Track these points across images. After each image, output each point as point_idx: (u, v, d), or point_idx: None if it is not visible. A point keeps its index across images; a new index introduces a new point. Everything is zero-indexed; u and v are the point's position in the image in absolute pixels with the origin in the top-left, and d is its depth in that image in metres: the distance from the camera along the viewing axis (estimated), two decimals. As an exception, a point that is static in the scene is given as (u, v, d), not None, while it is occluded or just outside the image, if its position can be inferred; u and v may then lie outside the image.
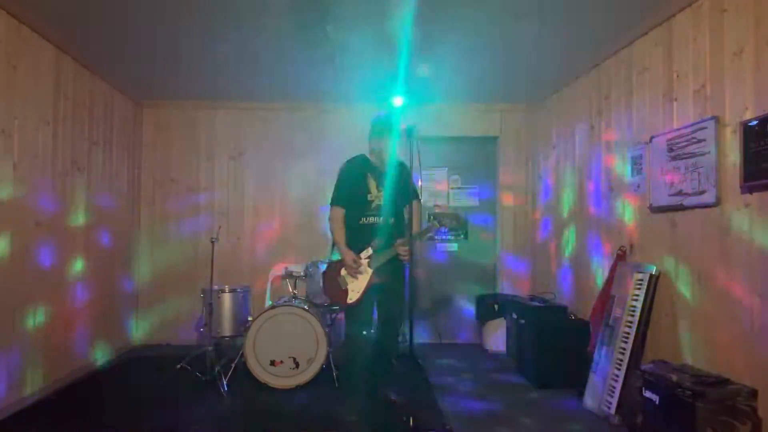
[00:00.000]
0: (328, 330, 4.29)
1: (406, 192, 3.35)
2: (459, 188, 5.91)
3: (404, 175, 3.43)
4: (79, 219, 4.30)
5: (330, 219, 3.57)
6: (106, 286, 4.80)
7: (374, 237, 3.45)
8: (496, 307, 5.20)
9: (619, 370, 3.35)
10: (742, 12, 2.75)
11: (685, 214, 3.17)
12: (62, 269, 4.05)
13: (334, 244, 3.64)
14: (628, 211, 3.80)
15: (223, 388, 3.89)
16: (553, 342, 4.06)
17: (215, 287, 4.31)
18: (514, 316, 4.67)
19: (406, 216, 3.59)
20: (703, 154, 2.98)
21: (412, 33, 3.79)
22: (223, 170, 5.69)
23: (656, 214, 3.46)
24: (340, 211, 3.53)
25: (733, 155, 2.78)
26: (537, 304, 4.66)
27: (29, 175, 3.62)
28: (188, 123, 5.68)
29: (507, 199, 5.82)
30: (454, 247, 5.87)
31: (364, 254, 3.45)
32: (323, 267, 4.10)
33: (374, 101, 5.38)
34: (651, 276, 3.36)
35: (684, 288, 3.19)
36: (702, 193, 2.99)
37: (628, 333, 3.38)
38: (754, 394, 2.58)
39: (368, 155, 3.62)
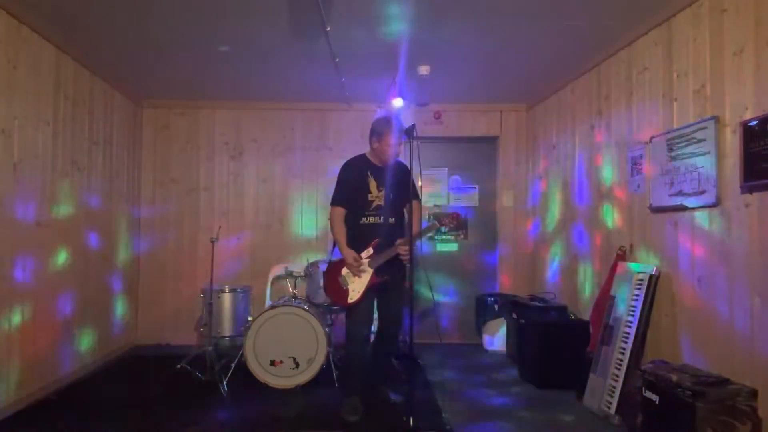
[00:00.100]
0: (328, 330, 4.29)
1: (406, 192, 3.35)
2: (459, 188, 5.91)
3: (404, 175, 3.43)
4: (79, 219, 4.30)
5: (331, 219, 3.57)
6: (106, 286, 4.80)
7: (375, 237, 3.45)
8: (496, 307, 5.20)
9: (619, 370, 3.35)
10: (742, 12, 2.75)
11: (685, 214, 3.17)
12: (62, 269, 4.04)
13: (335, 244, 3.64)
14: (628, 211, 3.80)
15: (223, 388, 3.89)
16: (553, 342, 4.06)
17: (215, 287, 4.31)
18: (514, 316, 4.67)
19: (406, 216, 3.59)
20: (703, 154, 2.98)
21: (412, 33, 3.79)
22: (223, 170, 5.69)
23: (656, 214, 3.46)
24: (340, 211, 3.53)
25: (733, 155, 2.77)
26: (537, 304, 4.66)
27: (29, 175, 3.62)
28: (188, 123, 5.68)
29: (507, 199, 5.82)
30: (454, 247, 5.87)
31: (364, 254, 3.45)
32: (324, 267, 4.11)
33: (374, 101, 5.39)
34: (651, 276, 3.36)
35: (684, 288, 3.19)
36: (702, 193, 2.99)
37: (628, 333, 3.38)
38: (754, 394, 2.58)
39: (368, 155, 3.62)
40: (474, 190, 5.91)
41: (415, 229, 3.49)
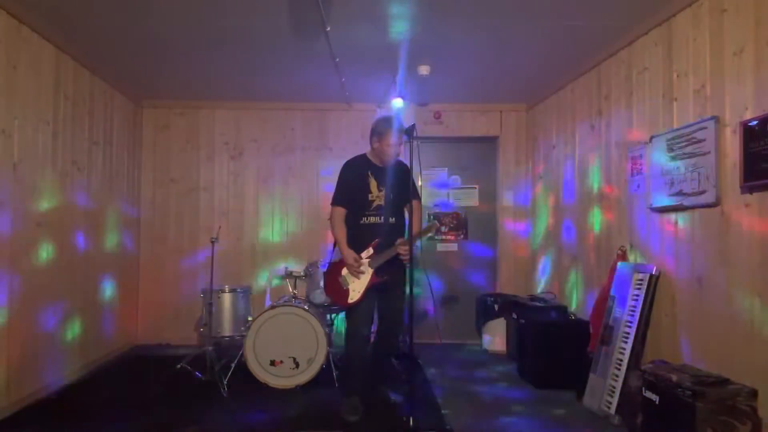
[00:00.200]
0: (328, 330, 4.29)
1: (407, 192, 3.35)
2: (459, 188, 5.92)
3: (405, 174, 3.43)
4: (79, 219, 4.30)
5: (331, 219, 3.57)
6: (105, 285, 4.80)
7: (375, 237, 3.45)
8: (496, 307, 5.20)
9: (619, 370, 3.35)
10: (742, 12, 2.75)
11: (685, 214, 3.17)
12: (62, 269, 4.04)
13: (335, 244, 3.64)
14: (628, 211, 3.80)
15: (223, 388, 3.89)
16: (553, 342, 4.06)
17: (215, 287, 4.31)
18: (514, 316, 4.67)
19: (406, 216, 3.59)
20: (703, 154, 2.98)
21: (412, 33, 3.79)
22: (223, 170, 5.69)
23: (656, 214, 3.46)
24: (341, 211, 3.53)
25: (733, 155, 2.78)
26: (537, 304, 4.66)
27: (29, 175, 3.62)
28: (188, 123, 5.68)
29: (507, 199, 5.82)
30: (454, 247, 5.87)
31: (364, 254, 3.45)
32: (323, 267, 4.11)
33: (374, 101, 5.39)
34: (651, 276, 3.36)
35: (684, 288, 3.19)
36: (702, 193, 2.99)
37: (628, 333, 3.38)
38: (754, 394, 2.58)
39: (369, 155, 3.62)
40: (474, 190, 5.91)
41: (415, 228, 3.49)
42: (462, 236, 5.87)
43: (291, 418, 3.44)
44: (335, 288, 3.51)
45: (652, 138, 3.47)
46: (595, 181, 4.31)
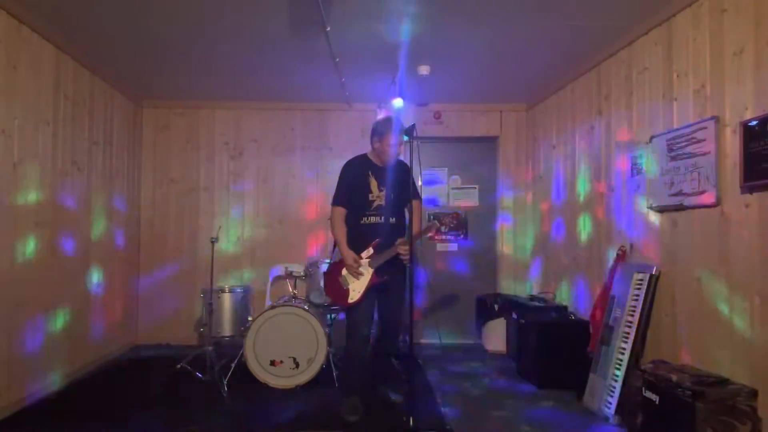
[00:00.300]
0: (328, 330, 4.30)
1: (407, 192, 3.35)
2: (459, 188, 5.92)
3: (405, 174, 3.43)
4: (78, 219, 4.30)
5: (331, 219, 3.57)
6: (105, 285, 4.80)
7: (375, 237, 3.45)
8: (496, 307, 5.20)
9: (619, 370, 3.35)
10: (742, 12, 2.75)
11: (685, 214, 3.17)
12: (62, 269, 4.04)
13: (335, 244, 3.64)
14: (628, 211, 3.80)
15: (223, 388, 3.89)
16: (553, 342, 4.06)
17: (215, 287, 4.31)
18: (514, 316, 4.67)
19: (406, 216, 3.59)
20: (703, 154, 2.98)
21: (412, 33, 3.79)
22: (223, 170, 5.70)
23: (656, 214, 3.46)
24: (341, 211, 3.54)
25: (733, 155, 2.78)
26: (537, 304, 4.67)
27: (29, 175, 3.62)
28: (188, 123, 5.68)
29: (507, 199, 5.82)
30: (454, 247, 5.87)
31: (365, 254, 3.45)
32: (324, 267, 4.11)
33: (374, 101, 5.39)
34: (651, 276, 3.36)
35: (684, 288, 3.19)
36: (702, 193, 2.99)
37: (628, 333, 3.38)
38: (754, 394, 2.58)
39: (369, 155, 3.62)
40: (474, 190, 5.91)
41: (415, 228, 3.49)
42: (462, 236, 5.87)
43: (291, 418, 3.44)
44: (335, 288, 3.51)
45: (652, 138, 3.47)
46: (595, 181, 4.31)
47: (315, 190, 5.67)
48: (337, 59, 4.22)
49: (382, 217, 3.49)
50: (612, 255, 3.91)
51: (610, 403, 3.34)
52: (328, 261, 3.76)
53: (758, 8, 2.65)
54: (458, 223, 5.84)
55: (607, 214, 4.10)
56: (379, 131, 3.50)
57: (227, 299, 4.34)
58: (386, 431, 3.25)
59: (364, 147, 3.70)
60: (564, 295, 4.82)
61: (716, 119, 2.89)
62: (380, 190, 3.51)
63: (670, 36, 3.34)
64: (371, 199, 3.50)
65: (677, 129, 3.22)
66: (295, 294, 4.57)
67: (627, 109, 3.84)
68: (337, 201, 3.55)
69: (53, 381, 3.92)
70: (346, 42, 3.91)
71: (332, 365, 4.17)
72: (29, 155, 3.62)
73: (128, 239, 5.30)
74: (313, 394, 3.88)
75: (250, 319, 4.27)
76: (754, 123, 2.62)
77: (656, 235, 3.46)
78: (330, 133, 5.72)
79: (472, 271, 5.85)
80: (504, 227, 5.82)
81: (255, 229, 5.67)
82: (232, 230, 5.62)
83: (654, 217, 3.48)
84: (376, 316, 3.66)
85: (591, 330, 3.89)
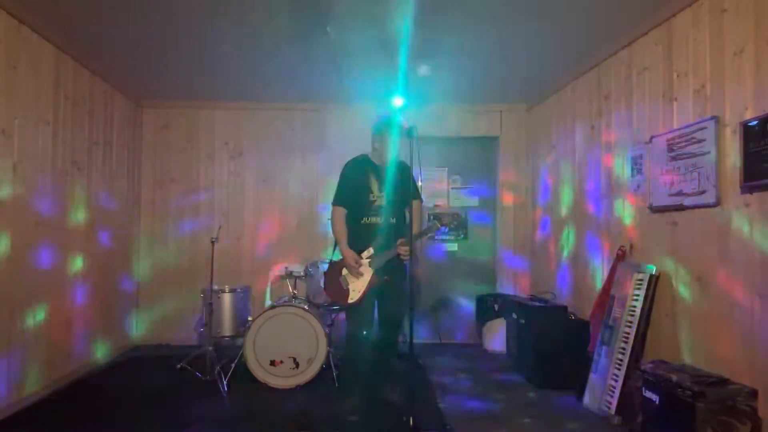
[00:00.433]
0: (328, 330, 4.30)
1: (407, 192, 3.35)
2: (459, 188, 5.92)
3: (405, 174, 3.43)
4: (78, 219, 4.30)
5: (331, 219, 3.57)
6: (105, 285, 4.80)
7: (375, 237, 3.45)
8: (496, 307, 5.20)
9: (619, 370, 3.35)
10: (742, 12, 2.75)
11: (685, 214, 3.17)
12: (62, 269, 4.05)
13: (335, 244, 3.64)
14: (628, 211, 3.80)
15: (223, 388, 3.89)
16: (553, 342, 4.06)
17: (215, 287, 4.31)
18: (514, 316, 4.66)
19: (407, 216, 3.59)
20: (703, 154, 2.98)
21: (412, 33, 3.79)
22: (223, 170, 5.69)
23: (656, 214, 3.46)
24: (341, 211, 3.54)
25: (733, 155, 2.78)
26: (537, 304, 4.66)
27: (29, 175, 3.62)
28: (188, 123, 5.68)
29: (507, 199, 5.82)
30: (454, 246, 5.87)
31: (365, 254, 3.46)
32: (324, 267, 4.11)
33: (374, 101, 5.39)
34: (651, 276, 3.36)
35: (684, 288, 3.19)
36: (702, 193, 2.99)
37: (628, 333, 3.38)
38: (754, 394, 2.58)
39: (370, 155, 3.62)
40: (474, 190, 5.91)
41: (415, 228, 3.49)
42: (462, 236, 5.87)
43: (291, 418, 3.44)
44: (335, 288, 3.51)
45: (652, 138, 3.47)
46: (594, 181, 4.31)
47: (315, 190, 5.67)
48: (337, 59, 4.22)
49: (383, 218, 3.49)
50: (612, 255, 3.90)
51: (610, 403, 3.34)
52: (328, 261, 3.76)
53: (758, 8, 2.65)
54: (458, 223, 5.84)
55: (607, 214, 4.10)
56: (379, 131, 3.50)
57: (227, 299, 4.34)
58: (386, 431, 3.25)
59: (364, 147, 3.70)
60: (563, 294, 4.82)
61: (716, 119, 2.89)
62: (380, 191, 3.51)
63: (670, 36, 3.34)
64: (371, 199, 3.50)
65: (677, 129, 3.22)
66: (295, 294, 4.57)
67: (627, 109, 3.84)
68: (337, 201, 3.55)
69: (53, 381, 3.92)
70: (347, 42, 3.90)
71: (332, 365, 4.17)
72: (29, 155, 3.62)
73: (128, 239, 5.30)
74: (313, 394, 3.88)
75: (250, 319, 4.28)
76: (754, 123, 2.62)
77: (656, 235, 3.46)
78: (330, 133, 5.72)
79: (472, 271, 5.85)
80: (504, 227, 5.81)
81: (255, 229, 5.67)
82: (232, 230, 5.62)
83: (654, 217, 3.48)
84: (376, 316, 3.66)
85: (591, 330, 3.89)
